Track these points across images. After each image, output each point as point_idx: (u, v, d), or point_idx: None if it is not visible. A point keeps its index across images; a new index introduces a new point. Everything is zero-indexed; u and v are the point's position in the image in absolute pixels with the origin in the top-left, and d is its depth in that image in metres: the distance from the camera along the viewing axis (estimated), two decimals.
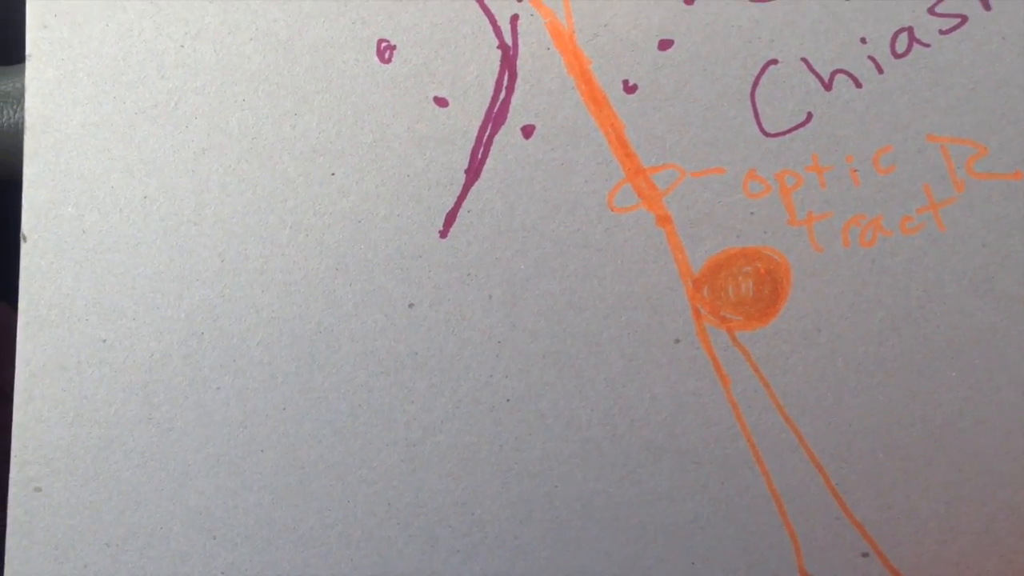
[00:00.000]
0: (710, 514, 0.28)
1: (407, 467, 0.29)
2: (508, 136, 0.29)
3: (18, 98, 0.34)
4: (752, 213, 0.28)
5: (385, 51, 0.29)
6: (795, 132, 0.28)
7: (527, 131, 0.28)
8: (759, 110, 0.28)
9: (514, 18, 0.28)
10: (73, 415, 0.30)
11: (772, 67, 0.28)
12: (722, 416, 0.28)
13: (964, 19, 0.27)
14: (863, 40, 0.28)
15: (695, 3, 0.28)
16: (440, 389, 0.29)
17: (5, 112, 0.34)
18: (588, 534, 0.29)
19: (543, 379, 0.29)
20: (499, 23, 0.28)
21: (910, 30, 0.27)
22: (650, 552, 0.28)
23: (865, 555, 0.28)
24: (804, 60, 0.28)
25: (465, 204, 0.29)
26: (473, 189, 0.29)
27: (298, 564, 0.30)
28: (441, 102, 0.29)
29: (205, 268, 0.30)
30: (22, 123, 0.31)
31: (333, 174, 0.29)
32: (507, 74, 0.28)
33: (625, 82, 0.28)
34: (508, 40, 0.28)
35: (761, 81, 0.28)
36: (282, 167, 0.29)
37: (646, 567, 0.28)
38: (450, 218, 0.29)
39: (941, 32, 0.27)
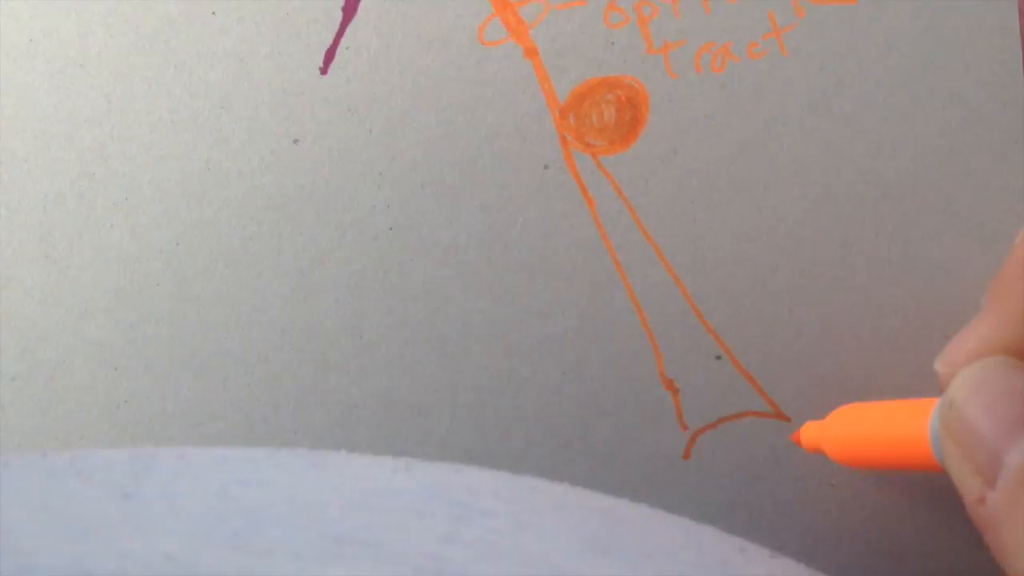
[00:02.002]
0: (579, 327, 0.30)
1: (298, 295, 0.31)
2: None
3: None
4: (613, 43, 0.30)
5: None
6: None
7: None
8: None
9: None
10: None
11: None
12: (589, 236, 0.30)
13: None
14: None
15: None
16: (326, 220, 0.31)
17: None
18: (468, 351, 0.31)
19: (423, 208, 0.30)
20: None
21: None
22: (525, 364, 0.31)
23: (718, 358, 0.30)
24: None
25: (343, 42, 0.30)
26: (350, 27, 0.30)
27: (198, 390, 0.32)
28: None
29: (93, 109, 0.31)
30: None
31: (214, 13, 0.30)
32: None
33: None
34: None
35: None
36: (163, 7, 0.30)
37: (522, 378, 0.31)
38: (329, 55, 0.30)
39: None
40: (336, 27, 0.30)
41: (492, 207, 0.30)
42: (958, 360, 0.24)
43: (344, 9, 0.30)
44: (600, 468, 0.31)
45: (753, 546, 0.24)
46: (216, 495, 0.21)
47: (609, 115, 0.30)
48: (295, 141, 0.31)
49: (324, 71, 0.30)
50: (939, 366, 0.25)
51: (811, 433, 0.29)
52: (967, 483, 0.23)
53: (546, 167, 0.30)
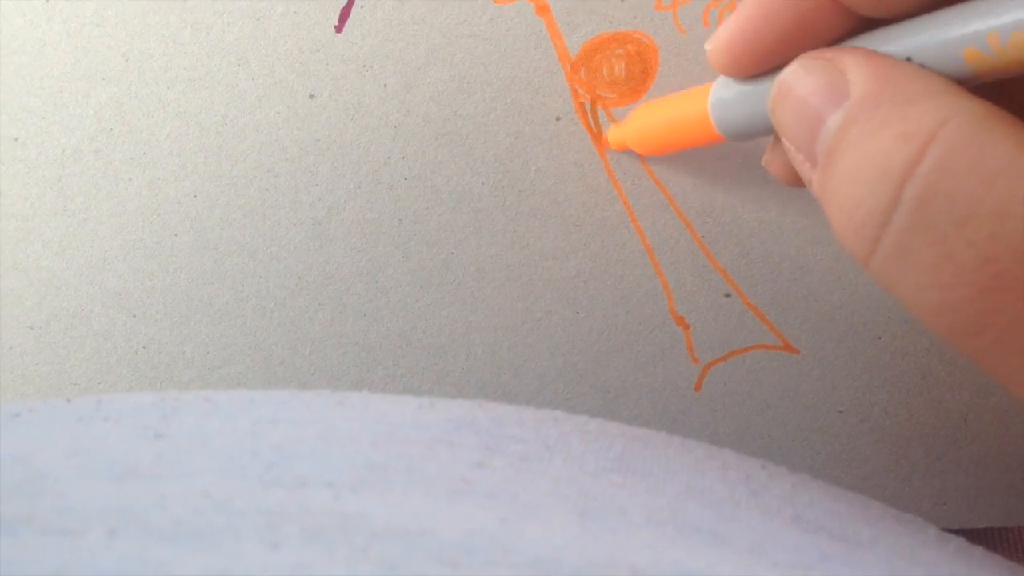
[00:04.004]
0: (591, 269, 0.31)
1: (314, 243, 0.32)
2: None
3: None
4: (623, 0, 0.31)
5: None
6: None
7: None
8: None
9: None
10: None
11: None
12: (600, 183, 0.31)
13: None
14: None
15: None
16: (342, 171, 0.32)
17: None
18: (482, 294, 0.32)
19: (437, 158, 0.31)
20: None
21: None
22: (539, 306, 0.31)
23: (727, 295, 0.31)
24: None
25: (358, 0, 0.31)
26: None
27: (215, 335, 0.32)
28: None
29: (110, 67, 0.31)
30: None
31: None
32: None
33: None
34: None
35: None
36: None
37: (536, 319, 0.31)
38: (344, 14, 0.31)
39: None
40: None
41: (505, 157, 0.31)
42: (722, 37, 0.24)
43: None
44: (614, 402, 0.32)
45: (772, 465, 0.25)
46: (247, 433, 0.21)
47: (620, 69, 0.31)
48: (311, 96, 0.31)
49: (339, 29, 0.31)
50: (708, 46, 0.25)
51: (616, 135, 0.31)
52: (800, 168, 0.23)
53: (558, 119, 0.31)
